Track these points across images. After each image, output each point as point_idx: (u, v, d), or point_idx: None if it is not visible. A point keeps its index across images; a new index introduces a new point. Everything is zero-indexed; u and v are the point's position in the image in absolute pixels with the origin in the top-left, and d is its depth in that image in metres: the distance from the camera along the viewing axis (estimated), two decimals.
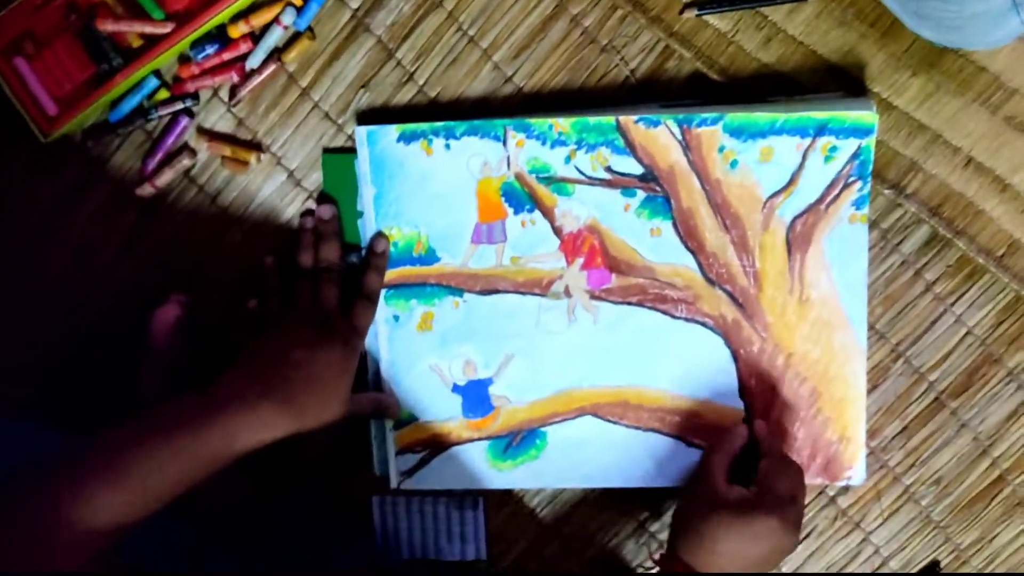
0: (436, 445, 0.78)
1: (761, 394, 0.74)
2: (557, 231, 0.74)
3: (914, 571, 0.77)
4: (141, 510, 0.61)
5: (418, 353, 0.76)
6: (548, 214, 0.74)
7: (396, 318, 0.76)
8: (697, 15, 0.72)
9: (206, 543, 0.74)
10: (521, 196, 0.74)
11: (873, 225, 0.73)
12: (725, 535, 0.66)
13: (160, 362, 0.73)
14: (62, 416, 0.76)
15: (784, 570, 0.78)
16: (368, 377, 0.77)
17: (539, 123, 0.72)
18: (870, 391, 0.74)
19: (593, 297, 0.75)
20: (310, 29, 0.74)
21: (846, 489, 0.76)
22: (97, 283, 0.77)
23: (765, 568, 0.67)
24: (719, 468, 0.70)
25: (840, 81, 0.72)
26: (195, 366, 0.74)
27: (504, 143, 0.73)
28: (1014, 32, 0.63)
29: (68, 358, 0.77)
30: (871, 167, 0.70)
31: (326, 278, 0.74)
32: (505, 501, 0.79)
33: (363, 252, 0.76)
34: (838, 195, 0.71)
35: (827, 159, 0.70)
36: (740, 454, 0.72)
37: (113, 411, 0.65)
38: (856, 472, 0.75)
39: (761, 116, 0.70)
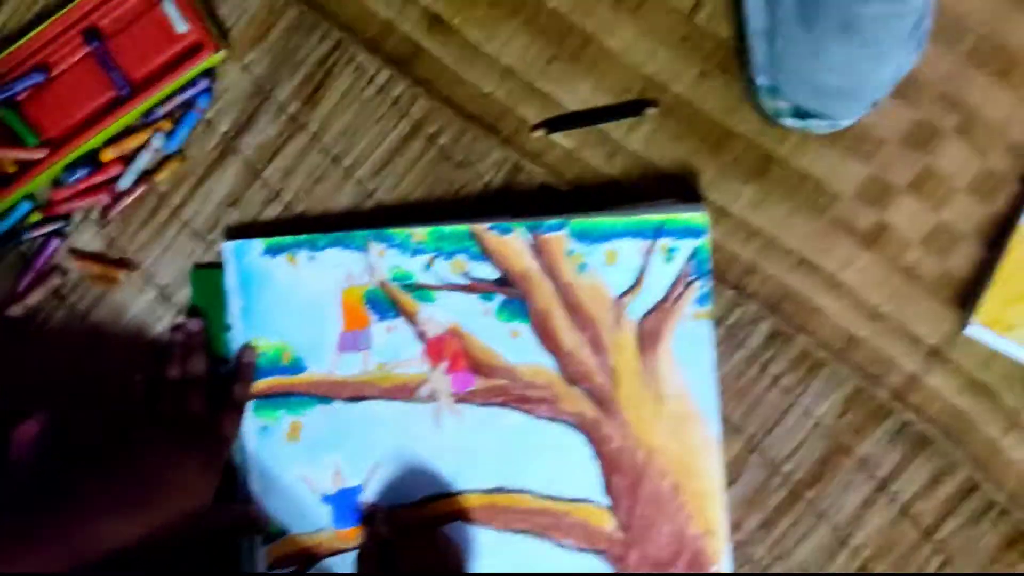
0: (308, 558, 0.77)
1: (625, 490, 0.76)
2: (421, 336, 0.77)
3: None
4: None
5: (286, 463, 0.77)
6: (411, 319, 0.77)
7: (264, 429, 0.77)
8: (546, 135, 0.77)
9: None
10: (385, 303, 0.76)
11: (720, 321, 0.77)
12: None
13: (15, 476, 0.72)
14: None
15: None
16: (237, 490, 0.77)
17: (398, 233, 0.76)
18: (730, 484, 0.76)
19: (458, 400, 0.76)
20: (180, 151, 0.78)
21: None
22: None
23: None
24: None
25: (679, 190, 0.77)
26: (55, 480, 0.73)
27: (366, 253, 0.76)
28: (908, 63, 0.70)
29: None
30: (709, 265, 0.75)
31: (192, 389, 0.75)
32: None
33: (231, 364, 0.77)
34: (681, 293, 0.75)
35: (668, 259, 0.75)
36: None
37: None
38: (722, 566, 0.76)
39: (603, 221, 0.74)
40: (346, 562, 0.77)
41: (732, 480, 0.77)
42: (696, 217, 0.74)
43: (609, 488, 0.76)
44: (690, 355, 0.75)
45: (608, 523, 0.76)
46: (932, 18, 0.71)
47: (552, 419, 0.76)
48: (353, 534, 0.77)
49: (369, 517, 0.76)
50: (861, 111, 0.72)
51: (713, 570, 0.75)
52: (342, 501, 0.77)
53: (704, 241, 0.74)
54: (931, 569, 0.76)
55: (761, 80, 0.73)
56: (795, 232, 0.76)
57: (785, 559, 0.77)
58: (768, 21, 0.71)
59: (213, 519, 0.73)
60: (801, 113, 0.73)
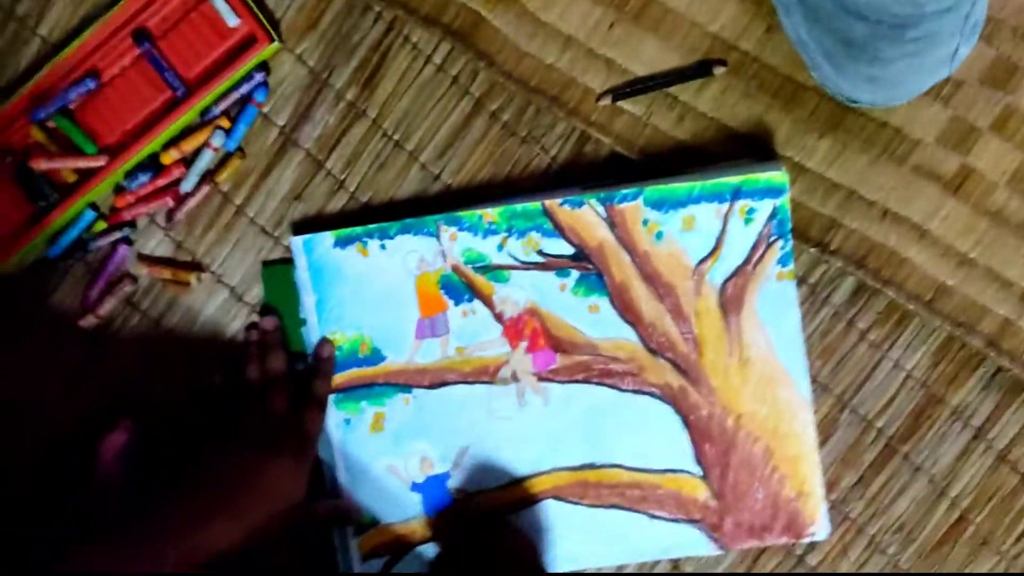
0: (400, 547, 0.77)
1: (716, 458, 0.75)
2: (498, 317, 0.75)
3: None
4: None
5: (373, 454, 0.76)
6: (487, 302, 0.75)
7: (348, 422, 0.76)
8: (612, 103, 0.75)
9: None
10: (459, 287, 0.75)
11: (801, 281, 0.75)
12: None
13: (108, 487, 0.72)
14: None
15: None
16: (326, 485, 0.77)
17: (469, 215, 0.74)
18: (822, 444, 0.75)
19: (541, 379, 0.75)
20: (240, 149, 0.77)
21: (812, 547, 0.76)
22: (44, 417, 0.77)
23: None
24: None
25: (753, 149, 0.75)
26: (142, 491, 0.73)
27: (437, 238, 0.75)
28: (936, 79, 0.67)
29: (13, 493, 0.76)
30: (790, 225, 0.73)
31: (274, 388, 0.74)
32: None
33: (309, 359, 0.76)
34: (763, 255, 0.73)
35: (747, 221, 0.73)
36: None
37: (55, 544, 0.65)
38: (819, 527, 0.75)
39: (678, 186, 0.73)
40: (437, 551, 0.76)
41: (824, 440, 0.76)
42: (775, 176, 0.72)
43: (700, 457, 0.75)
44: (775, 317, 0.74)
45: (701, 492, 0.75)
46: (974, 34, 0.67)
47: (637, 392, 0.75)
48: (445, 521, 0.76)
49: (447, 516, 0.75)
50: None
51: (810, 531, 0.75)
52: (431, 488, 0.76)
53: (784, 200, 0.72)
54: None
55: (813, 75, 0.71)
56: (876, 183, 0.74)
57: (882, 515, 0.76)
58: (801, 42, 0.69)
59: (306, 515, 0.73)
60: (853, 101, 0.71)
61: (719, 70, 0.74)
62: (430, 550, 0.77)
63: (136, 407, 0.77)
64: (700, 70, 0.74)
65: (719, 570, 0.77)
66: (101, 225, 0.77)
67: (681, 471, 0.75)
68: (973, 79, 0.73)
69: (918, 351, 0.75)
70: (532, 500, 0.76)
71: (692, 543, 0.75)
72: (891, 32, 0.60)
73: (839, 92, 0.71)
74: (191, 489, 0.69)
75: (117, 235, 0.77)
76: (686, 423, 0.75)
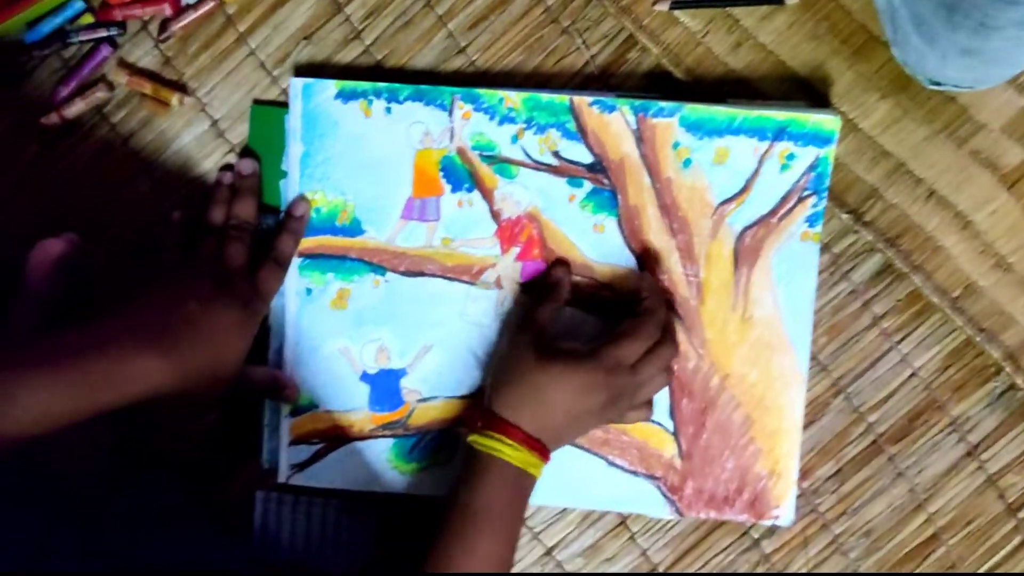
0: (335, 438, 0.71)
1: (692, 416, 0.69)
2: (495, 215, 0.69)
3: None
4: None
5: (328, 332, 0.70)
6: (487, 196, 0.69)
7: (309, 291, 0.70)
8: (670, 9, 0.69)
9: (55, 530, 0.65)
10: (461, 173, 0.69)
11: (825, 248, 0.69)
12: (550, 384, 0.62)
13: (34, 299, 0.65)
14: None
15: None
16: (269, 354, 0.70)
17: (489, 95, 0.67)
18: (806, 426, 0.70)
19: (526, 291, 0.69)
20: None
21: (772, 532, 0.71)
22: None
23: (587, 425, 0.65)
24: (546, 318, 0.66)
25: (807, 95, 0.69)
26: (73, 312, 0.66)
27: (450, 113, 0.68)
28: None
29: None
30: (828, 182, 0.67)
31: (235, 236, 0.67)
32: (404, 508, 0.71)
33: (281, 215, 0.69)
34: (792, 208, 0.67)
35: (783, 167, 0.67)
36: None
37: None
38: (784, 512, 0.69)
39: (720, 112, 0.66)
40: (373, 449, 0.70)
41: (809, 422, 0.70)
42: (826, 121, 0.66)
43: (676, 411, 0.69)
44: (789, 279, 0.68)
45: (669, 448, 0.69)
46: None
47: None
48: (390, 419, 0.70)
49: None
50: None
51: (773, 514, 0.69)
52: (382, 382, 0.70)
53: (828, 151, 0.66)
54: (1010, 547, 0.70)
55: (893, 51, 0.65)
56: (929, 160, 0.68)
57: (852, 516, 0.71)
58: (890, 10, 0.62)
59: (241, 378, 0.66)
60: (935, 83, 0.65)
61: (791, 1, 0.67)
62: (366, 448, 0.70)
63: (84, 223, 0.70)
64: None
65: (668, 538, 0.71)
66: (88, 19, 0.70)
67: (652, 421, 0.69)
68: None
69: (931, 349, 0.69)
70: None
71: (646, 500, 0.70)
72: None
73: (923, 70, 0.65)
74: (123, 316, 0.62)
75: (103, 33, 0.70)
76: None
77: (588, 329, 0.68)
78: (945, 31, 0.58)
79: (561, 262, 0.68)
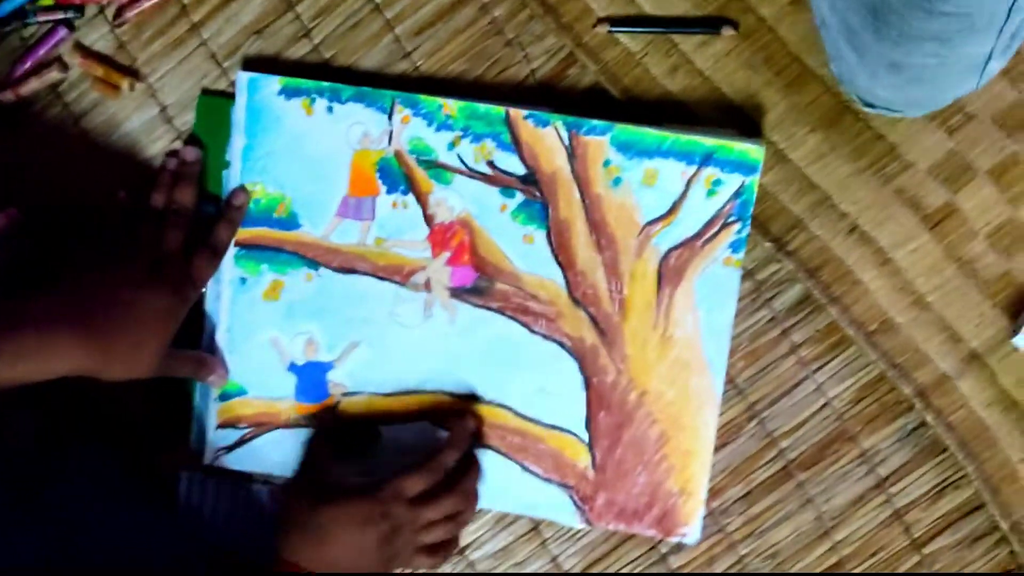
0: (261, 424, 0.72)
1: (608, 429, 0.71)
2: (428, 219, 0.70)
3: None
4: None
5: (259, 322, 0.71)
6: (422, 199, 0.70)
7: (243, 281, 0.71)
8: (609, 31, 0.70)
9: None
10: (397, 175, 0.70)
11: (748, 275, 0.70)
12: (332, 522, 0.62)
13: None
14: None
15: None
16: (203, 340, 0.72)
17: (428, 101, 0.69)
18: (719, 447, 0.71)
19: (453, 295, 0.71)
20: None
21: (679, 548, 0.72)
22: None
23: (372, 562, 0.63)
24: (325, 452, 0.67)
25: (739, 123, 0.70)
26: (9, 287, 0.68)
27: (389, 116, 0.69)
28: (967, 90, 0.62)
29: None
30: (751, 209, 0.68)
31: (173, 221, 0.69)
32: None
33: (221, 205, 0.71)
34: (716, 233, 0.68)
35: (710, 193, 0.68)
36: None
37: None
38: (691, 530, 0.71)
39: (650, 133, 0.68)
40: (298, 437, 0.72)
41: (722, 444, 0.71)
42: (751, 150, 0.67)
43: (592, 423, 0.71)
44: (710, 302, 0.69)
45: (583, 459, 0.71)
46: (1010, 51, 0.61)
47: (548, 337, 0.70)
48: (313, 410, 0.72)
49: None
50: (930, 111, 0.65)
51: (681, 531, 0.70)
52: (309, 374, 0.72)
53: (753, 179, 0.68)
54: None
55: (831, 67, 0.66)
56: (854, 196, 0.70)
57: (758, 538, 0.72)
58: (825, 23, 0.63)
59: (168, 362, 0.68)
60: (868, 104, 0.66)
61: (727, 31, 0.69)
62: (289, 437, 0.72)
63: (27, 199, 0.71)
64: (709, 24, 0.69)
65: (578, 547, 0.73)
66: (48, 1, 0.71)
67: (568, 431, 0.71)
68: (986, 116, 0.68)
69: (845, 381, 0.71)
70: (409, 417, 0.71)
71: (558, 508, 0.71)
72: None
73: (855, 89, 0.66)
74: (52, 295, 0.63)
75: (60, 15, 0.71)
76: (587, 384, 0.70)
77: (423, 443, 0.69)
78: (873, 41, 0.59)
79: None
